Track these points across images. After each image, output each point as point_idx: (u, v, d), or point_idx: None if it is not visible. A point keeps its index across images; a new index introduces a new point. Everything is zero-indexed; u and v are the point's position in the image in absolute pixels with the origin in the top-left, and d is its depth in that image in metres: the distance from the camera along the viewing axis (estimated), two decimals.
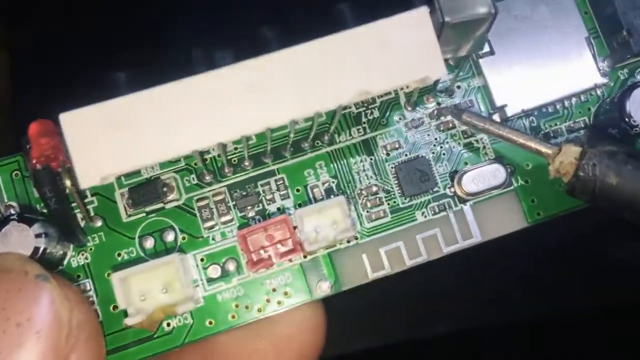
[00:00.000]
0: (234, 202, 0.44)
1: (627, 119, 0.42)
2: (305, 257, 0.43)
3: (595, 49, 0.46)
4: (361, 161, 0.44)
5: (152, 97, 0.34)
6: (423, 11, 0.35)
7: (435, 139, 0.45)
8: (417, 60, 0.35)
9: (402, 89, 0.45)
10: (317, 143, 0.45)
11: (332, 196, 0.43)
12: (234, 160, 0.44)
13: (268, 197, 0.44)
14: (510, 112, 0.45)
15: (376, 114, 0.45)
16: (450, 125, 0.45)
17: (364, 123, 0.45)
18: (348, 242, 0.44)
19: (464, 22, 0.35)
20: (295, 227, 0.41)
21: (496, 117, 0.45)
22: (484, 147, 0.45)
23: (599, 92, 0.46)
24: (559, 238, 0.53)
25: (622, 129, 0.43)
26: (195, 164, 0.44)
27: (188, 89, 0.34)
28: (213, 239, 0.43)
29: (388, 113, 0.45)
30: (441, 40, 0.36)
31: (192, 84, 0.34)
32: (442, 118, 0.45)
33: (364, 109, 0.45)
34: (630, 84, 0.42)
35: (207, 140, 0.35)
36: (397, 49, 0.35)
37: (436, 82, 0.44)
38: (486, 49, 0.45)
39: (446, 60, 0.42)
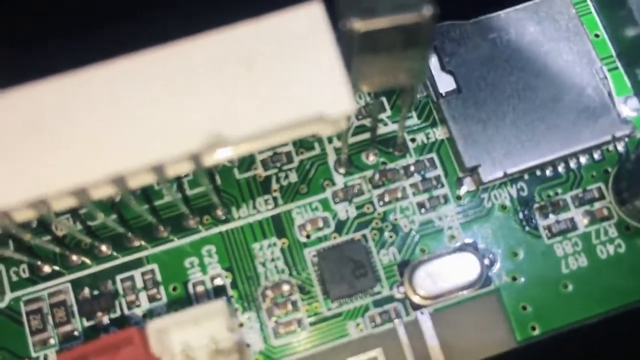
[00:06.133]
0: (78, 306, 0.30)
1: None
2: None
3: (613, 85, 0.32)
4: (269, 246, 0.31)
5: None
6: (315, 8, 0.22)
7: (378, 214, 0.31)
8: (306, 87, 0.22)
9: (313, 137, 0.32)
10: (207, 219, 0.31)
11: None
12: (85, 244, 0.31)
13: (129, 298, 0.30)
14: (487, 175, 0.30)
15: (293, 178, 0.31)
16: (400, 194, 0.31)
17: (275, 191, 0.31)
18: None
19: (379, 31, 0.22)
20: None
21: (468, 183, 0.31)
22: (450, 227, 0.31)
23: (619, 147, 0.32)
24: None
25: None
26: (32, 248, 0.31)
27: None
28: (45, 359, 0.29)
29: (310, 177, 0.31)
30: (352, 60, 0.23)
31: None
32: (389, 184, 0.31)
33: (276, 171, 0.31)
34: None
35: None
36: (272, 69, 0.22)
37: (373, 131, 0.31)
38: (450, 85, 0.32)
39: (374, 96, 0.28)
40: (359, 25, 0.22)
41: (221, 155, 0.23)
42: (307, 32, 0.22)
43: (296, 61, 0.22)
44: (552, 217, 0.31)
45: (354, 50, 0.23)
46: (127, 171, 0.22)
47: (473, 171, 0.31)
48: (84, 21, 0.27)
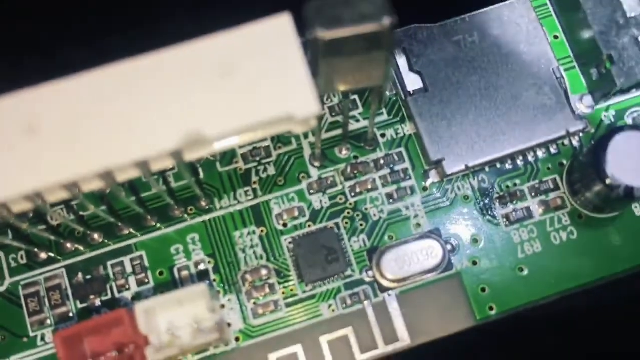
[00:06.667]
0: (72, 289, 0.32)
1: (604, 178, 0.30)
2: None
3: (568, 83, 0.34)
4: (248, 234, 0.33)
5: None
6: (284, 19, 0.25)
7: (350, 204, 0.33)
8: (276, 91, 0.24)
9: (289, 133, 0.34)
10: (191, 209, 0.33)
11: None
12: (78, 233, 0.33)
13: (120, 282, 0.33)
14: (450, 168, 0.33)
15: (271, 171, 0.34)
16: (370, 186, 0.33)
17: (254, 183, 0.34)
18: (226, 345, 0.32)
19: (342, 39, 0.24)
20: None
21: (434, 176, 0.34)
22: (416, 215, 0.33)
23: (574, 141, 0.34)
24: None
25: (600, 192, 0.31)
26: (29, 236, 0.33)
27: None
28: (42, 339, 0.32)
29: (287, 170, 0.34)
30: (320, 65, 0.26)
31: None
32: (360, 177, 0.34)
33: (256, 164, 0.34)
34: (611, 130, 0.30)
35: None
36: (246, 74, 0.24)
37: (346, 128, 0.33)
38: (417, 84, 0.34)
39: (345, 95, 0.31)
40: (324, 34, 0.24)
41: (201, 152, 0.25)
42: (277, 41, 0.25)
43: (267, 67, 0.24)
44: (510, 207, 0.33)
45: (320, 56, 0.25)
46: (115, 166, 0.24)
47: (438, 164, 0.33)
48: (75, 29, 0.29)
